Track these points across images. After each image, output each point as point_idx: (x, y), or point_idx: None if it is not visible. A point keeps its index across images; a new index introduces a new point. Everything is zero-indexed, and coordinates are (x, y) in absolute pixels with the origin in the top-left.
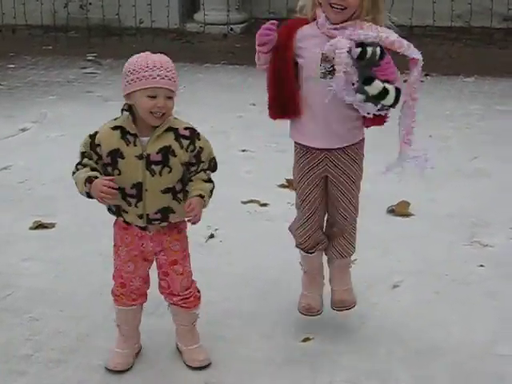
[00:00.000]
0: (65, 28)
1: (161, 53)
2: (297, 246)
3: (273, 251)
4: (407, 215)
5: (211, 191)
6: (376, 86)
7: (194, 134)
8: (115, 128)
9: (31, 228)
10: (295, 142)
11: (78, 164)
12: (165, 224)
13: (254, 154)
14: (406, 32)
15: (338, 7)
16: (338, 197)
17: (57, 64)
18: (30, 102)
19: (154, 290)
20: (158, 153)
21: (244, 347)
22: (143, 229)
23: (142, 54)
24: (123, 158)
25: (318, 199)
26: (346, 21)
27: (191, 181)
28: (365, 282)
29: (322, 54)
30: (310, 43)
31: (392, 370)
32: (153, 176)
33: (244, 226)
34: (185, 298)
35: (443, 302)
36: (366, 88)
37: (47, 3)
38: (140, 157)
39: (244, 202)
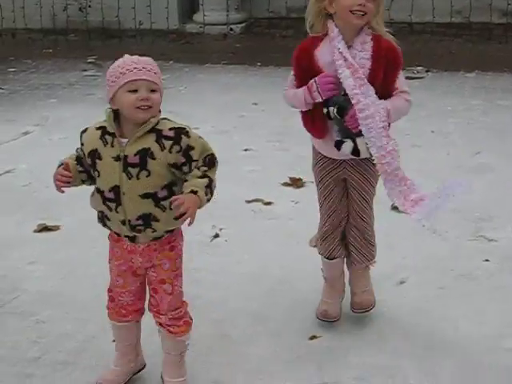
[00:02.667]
0: (64, 31)
1: (161, 54)
2: (319, 253)
3: (278, 249)
4: None
5: (207, 186)
6: (348, 147)
7: (179, 134)
8: (99, 128)
9: (36, 231)
10: (316, 155)
11: (77, 148)
12: (150, 231)
13: (256, 153)
14: (406, 29)
15: (360, 13)
16: (357, 199)
17: (57, 67)
18: (31, 105)
19: None
20: (135, 155)
21: (252, 346)
22: (132, 241)
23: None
24: (100, 158)
25: (337, 199)
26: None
27: (186, 181)
28: (371, 279)
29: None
30: (326, 65)
31: (400, 366)
32: (130, 179)
33: (248, 225)
34: (173, 319)
35: (449, 297)
36: (341, 148)
37: (46, 7)
38: (117, 158)
39: (248, 201)
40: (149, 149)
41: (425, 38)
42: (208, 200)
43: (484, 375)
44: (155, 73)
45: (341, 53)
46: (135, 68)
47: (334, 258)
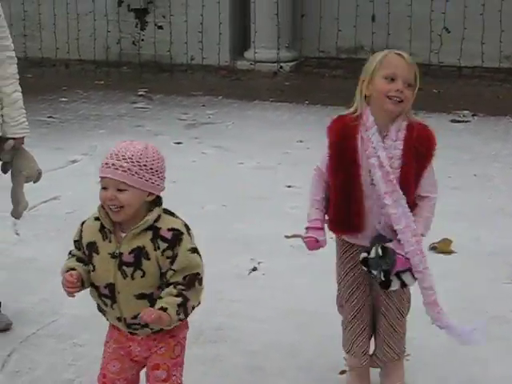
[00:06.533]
0: (117, 63)
1: (211, 89)
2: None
3: (314, 285)
4: (449, 252)
5: (180, 305)
6: (396, 284)
7: (175, 239)
8: (97, 218)
9: None
10: (338, 237)
11: (70, 252)
12: (148, 330)
13: (299, 190)
14: (455, 72)
15: (396, 99)
16: (382, 297)
17: (108, 98)
18: (80, 135)
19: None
20: (130, 253)
21: (283, 379)
22: (131, 333)
23: None
24: (98, 253)
25: (362, 298)
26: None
27: (160, 298)
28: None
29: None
30: (362, 155)
31: None
32: (124, 278)
33: (286, 260)
34: None
35: None
36: (390, 287)
37: (100, 39)
38: (113, 255)
39: (287, 237)
40: (143, 247)
41: (473, 82)
42: (180, 320)
43: None
44: (124, 170)
45: (374, 148)
46: (105, 164)
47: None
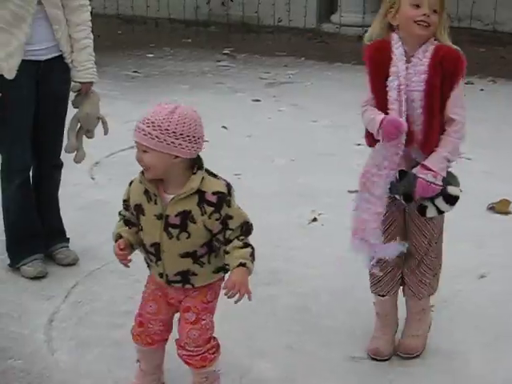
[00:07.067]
0: (206, 23)
1: (295, 51)
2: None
3: None
4: (506, 213)
5: (251, 255)
6: (432, 211)
7: (221, 202)
8: (141, 181)
9: None
10: None
11: (119, 212)
12: (189, 286)
13: (368, 149)
14: None
15: (424, 24)
16: (414, 231)
17: (194, 56)
18: (163, 89)
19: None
20: (176, 216)
21: (328, 320)
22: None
23: None
24: (144, 214)
25: (395, 235)
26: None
27: (227, 253)
28: (453, 271)
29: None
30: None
31: (463, 351)
32: (170, 239)
33: (346, 213)
34: (191, 355)
35: None
36: (426, 213)
37: None
38: (159, 217)
39: (350, 192)
40: (190, 212)
41: None
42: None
43: None
44: (145, 134)
45: (396, 59)
46: (137, 128)
47: (384, 296)
